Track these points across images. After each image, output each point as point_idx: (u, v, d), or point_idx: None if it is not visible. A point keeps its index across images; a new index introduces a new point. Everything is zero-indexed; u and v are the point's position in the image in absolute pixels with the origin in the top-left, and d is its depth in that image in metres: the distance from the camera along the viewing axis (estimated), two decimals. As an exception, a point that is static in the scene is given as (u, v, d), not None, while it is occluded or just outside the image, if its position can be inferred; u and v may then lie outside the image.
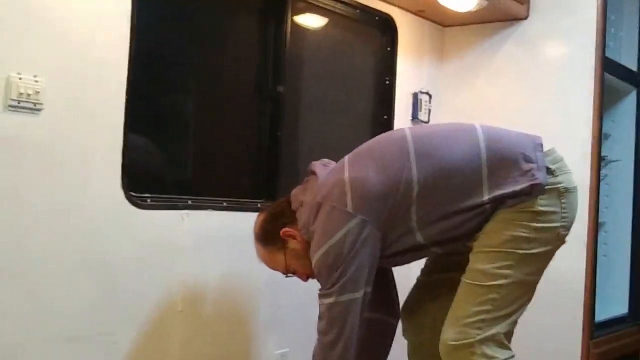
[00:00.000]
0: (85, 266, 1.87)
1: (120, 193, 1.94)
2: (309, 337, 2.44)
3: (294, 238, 1.93)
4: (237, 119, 2.44)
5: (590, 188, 2.79)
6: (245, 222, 2.12)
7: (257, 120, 2.46)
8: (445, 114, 3.09)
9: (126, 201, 1.95)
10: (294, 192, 1.98)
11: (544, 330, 2.84)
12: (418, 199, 1.82)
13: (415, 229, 1.84)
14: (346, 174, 1.83)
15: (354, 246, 1.78)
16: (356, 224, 1.78)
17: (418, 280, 2.17)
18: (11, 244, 1.72)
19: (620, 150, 3.38)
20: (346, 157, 1.92)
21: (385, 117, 2.90)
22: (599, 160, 2.84)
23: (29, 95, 1.69)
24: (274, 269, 2.01)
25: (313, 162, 1.99)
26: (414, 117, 3.00)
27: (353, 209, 1.79)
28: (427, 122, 3.04)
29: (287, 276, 2.02)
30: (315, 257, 1.83)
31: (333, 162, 1.98)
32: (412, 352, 2.18)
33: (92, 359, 1.89)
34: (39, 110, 1.73)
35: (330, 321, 1.82)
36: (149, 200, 2.02)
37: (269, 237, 1.96)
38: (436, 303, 2.04)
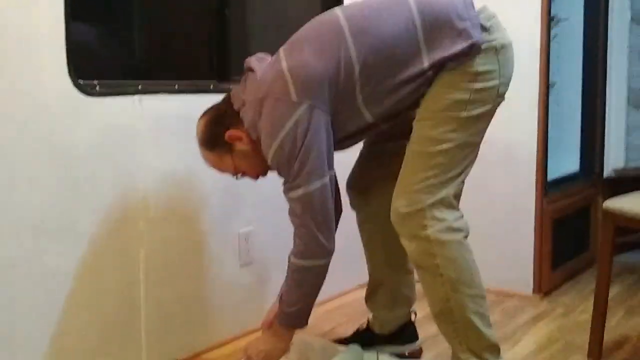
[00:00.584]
0: (43, 158, 1.84)
1: (67, 81, 1.87)
2: (272, 213, 2.50)
3: (240, 139, 1.91)
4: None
5: (540, 48, 2.81)
6: (199, 104, 2.09)
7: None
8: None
9: (75, 89, 1.89)
10: (233, 91, 1.95)
11: (498, 190, 2.93)
12: (361, 77, 1.81)
13: (363, 107, 1.85)
14: (284, 64, 1.81)
15: (307, 133, 1.77)
16: (303, 110, 1.77)
17: (361, 151, 2.19)
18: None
19: (570, 9, 3.37)
20: (281, 49, 1.88)
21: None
22: (548, 20, 2.84)
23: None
24: (222, 172, 2.00)
25: (248, 58, 1.94)
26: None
27: (297, 96, 1.78)
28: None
29: (237, 178, 2.01)
30: (270, 154, 1.82)
31: (268, 56, 1.94)
32: (362, 222, 2.23)
33: (58, 250, 1.89)
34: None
35: (305, 211, 1.83)
36: (97, 87, 1.96)
37: (213, 141, 1.94)
38: (381, 171, 2.07)
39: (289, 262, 1.92)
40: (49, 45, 1.83)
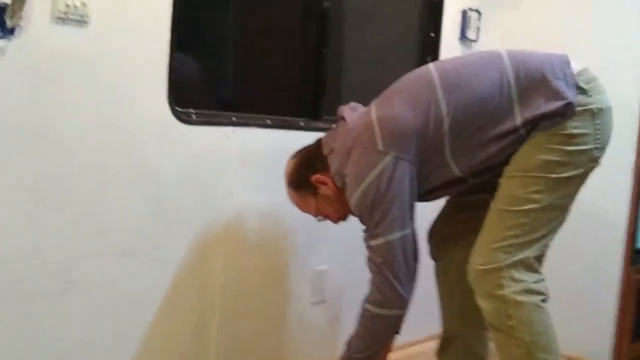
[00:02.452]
0: (134, 182, 1.90)
1: (166, 108, 1.94)
2: (346, 254, 2.51)
3: (325, 184, 1.95)
4: (282, 35, 2.41)
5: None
6: (289, 140, 2.13)
7: (302, 37, 2.43)
8: (493, 32, 3.01)
9: (172, 116, 1.95)
10: (324, 138, 2.00)
11: (583, 257, 2.83)
12: (450, 131, 1.81)
13: (451, 161, 1.84)
14: (373, 115, 1.84)
15: (390, 183, 1.79)
16: (389, 161, 1.79)
17: (447, 200, 2.17)
18: (60, 160, 1.74)
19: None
20: (373, 101, 1.92)
21: (432, 34, 2.84)
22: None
23: (75, 7, 1.67)
24: (305, 212, 2.05)
25: (341, 107, 1.99)
26: (463, 35, 2.92)
27: (384, 146, 1.80)
28: (475, 41, 2.96)
29: (318, 220, 2.06)
30: (353, 201, 1.85)
31: (361, 106, 1.98)
32: (440, 273, 2.20)
33: (142, 272, 1.95)
34: (85, 22, 1.72)
35: (385, 261, 1.82)
36: (193, 115, 2.02)
37: (300, 183, 1.99)
38: (466, 223, 2.03)
39: (362, 308, 1.91)
40: (152, 73, 1.90)
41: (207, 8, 2.18)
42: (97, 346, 1.87)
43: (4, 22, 1.55)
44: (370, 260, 1.87)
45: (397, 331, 1.99)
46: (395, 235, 1.82)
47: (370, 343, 1.92)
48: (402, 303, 1.87)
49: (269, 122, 2.22)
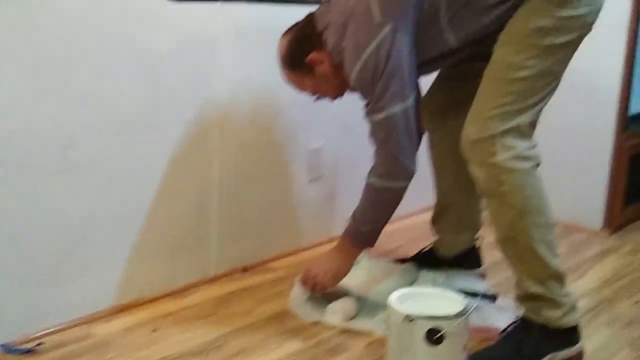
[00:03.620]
0: (128, 60, 1.88)
1: (152, -15, 1.90)
2: (341, 131, 2.52)
3: (322, 63, 1.93)
4: None
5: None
6: (281, 15, 2.10)
7: None
8: None
9: (159, -7, 1.92)
10: (317, 12, 1.95)
11: (576, 123, 2.86)
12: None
13: (447, 30, 1.82)
14: None
15: (389, 56, 1.77)
16: (386, 32, 1.77)
17: (440, 71, 2.16)
18: (56, 38, 1.73)
19: None
20: None
21: None
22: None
23: None
24: (301, 92, 2.03)
25: None
26: None
27: (380, 18, 1.77)
28: None
29: (315, 99, 2.04)
30: (352, 75, 1.83)
31: None
32: (434, 143, 2.23)
33: (139, 149, 1.97)
34: None
35: (388, 134, 1.83)
36: (181, -8, 1.98)
37: (295, 62, 1.96)
38: (459, 93, 2.02)
39: (367, 181, 1.93)
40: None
41: None
42: (102, 222, 1.92)
43: None
44: (373, 134, 1.88)
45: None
46: (397, 108, 1.82)
47: (377, 216, 1.96)
48: (407, 174, 1.89)
49: (258, -4, 2.18)
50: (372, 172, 1.92)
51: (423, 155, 2.22)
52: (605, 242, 2.78)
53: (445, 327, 1.55)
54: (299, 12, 2.02)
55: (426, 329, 1.55)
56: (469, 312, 1.60)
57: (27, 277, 1.78)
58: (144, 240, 2.03)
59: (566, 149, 2.88)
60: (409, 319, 1.56)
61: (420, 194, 2.36)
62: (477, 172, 1.80)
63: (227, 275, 2.28)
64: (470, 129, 1.81)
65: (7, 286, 1.75)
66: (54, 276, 1.84)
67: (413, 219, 2.89)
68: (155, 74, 1.96)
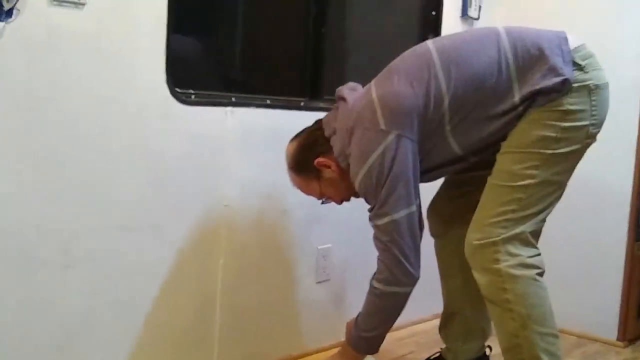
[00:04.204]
0: (133, 159, 1.92)
1: (164, 88, 1.96)
2: (350, 232, 2.52)
3: (329, 167, 1.95)
4: (282, 15, 2.42)
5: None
6: (289, 120, 2.15)
7: (301, 17, 2.43)
8: (496, 11, 3.00)
9: (171, 97, 1.98)
10: (325, 119, 2.00)
11: (588, 232, 2.83)
12: (450, 108, 1.81)
13: (451, 138, 1.85)
14: (374, 94, 1.84)
15: (394, 162, 1.79)
16: (392, 139, 1.80)
17: (446, 178, 2.18)
18: (59, 135, 1.77)
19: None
20: (373, 80, 1.92)
21: (433, 13, 2.84)
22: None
23: (71, -11, 1.70)
24: (308, 195, 2.06)
25: (340, 88, 1.99)
26: (464, 14, 2.92)
27: (386, 125, 1.80)
28: (476, 19, 2.96)
29: (322, 202, 2.07)
30: (357, 180, 1.86)
31: (360, 86, 1.99)
32: (439, 250, 2.22)
33: (142, 248, 1.98)
34: (82, 4, 1.74)
35: (392, 239, 1.84)
36: (193, 96, 2.04)
37: (302, 167, 2.00)
38: (465, 200, 2.04)
39: (371, 286, 1.92)
40: (150, 54, 1.92)
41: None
42: (101, 318, 1.91)
43: (2, 5, 1.58)
44: (377, 238, 1.88)
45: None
46: (401, 214, 1.83)
47: (379, 321, 1.94)
48: (411, 280, 1.88)
49: (268, 102, 2.24)
50: (375, 277, 1.91)
51: (433, 261, 2.22)
52: (621, 353, 2.70)
53: None
54: (304, 118, 2.08)
55: None
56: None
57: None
58: (145, 338, 2.01)
59: (579, 257, 2.84)
60: None
61: (432, 299, 2.34)
62: (480, 278, 1.79)
63: (229, 377, 2.24)
64: (473, 235, 1.82)
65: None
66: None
67: (425, 325, 2.84)
68: (163, 173, 2.00)
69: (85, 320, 1.88)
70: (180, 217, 2.06)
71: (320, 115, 2.06)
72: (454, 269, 2.16)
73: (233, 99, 2.13)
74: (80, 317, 1.87)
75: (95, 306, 1.90)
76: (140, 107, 1.92)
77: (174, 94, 1.98)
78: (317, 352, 2.49)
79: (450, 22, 2.86)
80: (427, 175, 1.92)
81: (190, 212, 2.08)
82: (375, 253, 1.93)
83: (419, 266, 1.89)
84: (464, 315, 2.20)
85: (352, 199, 2.06)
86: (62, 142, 1.78)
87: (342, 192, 2.00)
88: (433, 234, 2.21)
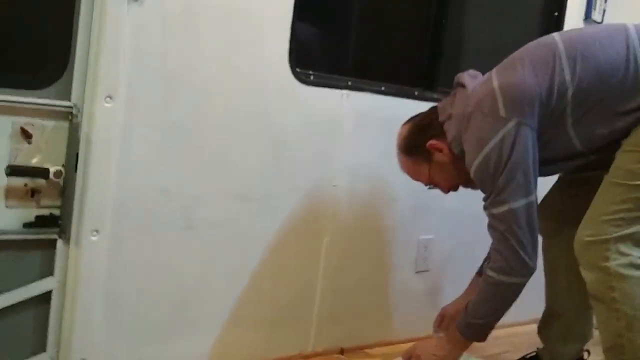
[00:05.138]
0: (255, 131, 2.01)
1: (287, 68, 2.03)
2: (454, 225, 2.53)
3: (440, 151, 1.94)
4: (403, 5, 2.46)
5: None
6: (402, 108, 2.18)
7: (422, 7, 2.46)
8: (621, 14, 2.92)
9: (292, 76, 2.05)
10: (441, 104, 1.98)
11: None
12: (573, 99, 1.78)
13: (572, 132, 1.81)
14: (495, 82, 1.82)
15: (513, 149, 1.76)
16: (511, 126, 1.76)
17: (559, 177, 2.14)
18: (189, 104, 1.87)
19: None
20: (494, 69, 1.89)
21: (555, 14, 2.80)
22: None
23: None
24: (416, 180, 2.04)
25: (460, 74, 1.97)
26: (587, 16, 2.87)
27: (506, 113, 1.77)
28: (599, 23, 2.90)
29: (429, 187, 2.05)
30: (474, 167, 1.83)
31: (480, 74, 1.96)
32: (548, 248, 2.18)
33: (255, 217, 2.06)
34: (220, -18, 1.84)
35: (509, 228, 1.81)
36: (312, 76, 2.11)
37: (414, 148, 1.98)
38: (577, 199, 1.99)
39: (484, 275, 1.91)
40: (275, 36, 2.00)
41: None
42: (213, 284, 2.01)
43: (144, -26, 1.69)
44: (492, 227, 1.85)
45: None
46: (520, 203, 1.79)
47: (490, 310, 1.91)
48: (526, 270, 1.85)
49: (383, 88, 2.27)
50: (490, 265, 1.88)
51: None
52: None
53: None
54: (420, 107, 2.09)
55: None
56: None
57: (140, 331, 1.89)
58: (245, 308, 2.09)
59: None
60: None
61: (531, 303, 2.31)
62: (588, 275, 1.76)
63: (325, 354, 2.29)
64: (584, 231, 1.79)
65: (119, 335, 1.85)
66: (164, 331, 1.93)
67: (522, 327, 2.80)
68: (280, 148, 2.07)
69: (200, 283, 1.98)
70: (292, 192, 2.13)
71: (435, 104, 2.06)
72: (561, 270, 2.12)
73: (349, 83, 2.18)
74: (196, 280, 1.97)
75: (209, 271, 2.00)
76: (264, 83, 2.00)
77: (294, 73, 2.05)
78: (410, 341, 2.48)
79: (573, 24, 2.81)
80: (543, 168, 1.87)
81: (301, 189, 2.15)
82: (478, 247, 1.92)
83: (536, 257, 1.86)
84: (565, 317, 2.17)
85: (460, 189, 2.05)
86: (191, 112, 1.87)
87: (451, 179, 1.99)
88: (542, 234, 2.17)
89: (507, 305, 1.91)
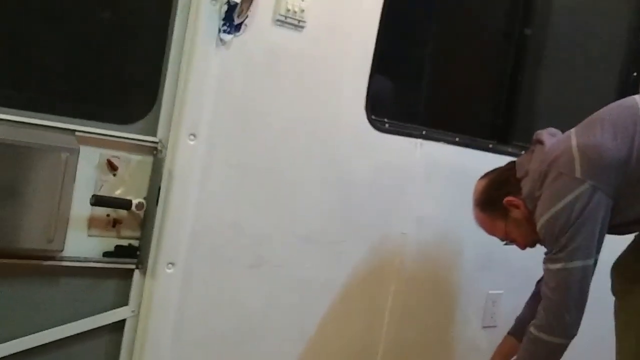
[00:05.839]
0: (327, 177, 2.04)
1: (363, 114, 2.07)
2: (523, 280, 2.48)
3: (517, 207, 1.93)
4: (480, 59, 2.49)
5: None
6: (475, 160, 2.19)
7: (499, 62, 2.49)
8: None
9: (367, 123, 2.09)
10: (518, 160, 1.99)
11: None
12: None
13: None
14: (574, 142, 1.82)
15: (583, 212, 1.76)
16: (585, 189, 1.76)
17: (637, 235, 2.09)
18: (267, 146, 1.92)
19: None
20: (573, 128, 1.89)
21: (635, 74, 2.79)
22: None
23: (294, 12, 1.86)
24: (491, 235, 2.04)
25: (539, 131, 1.97)
26: (667, 77, 2.84)
27: (582, 174, 1.77)
28: (680, 84, 2.86)
29: (505, 243, 2.04)
30: (541, 221, 1.83)
31: (559, 132, 1.96)
32: (620, 309, 2.10)
33: (321, 262, 2.08)
34: (301, 27, 1.90)
35: (559, 287, 1.81)
36: (387, 124, 2.14)
37: (490, 204, 1.98)
38: None
39: (527, 330, 1.89)
40: (353, 84, 2.05)
41: (410, 25, 2.29)
42: (275, 321, 2.02)
43: (233, 19, 1.76)
44: (544, 282, 1.85)
45: None
46: (576, 264, 1.79)
47: None
48: (565, 332, 1.83)
49: (457, 139, 2.29)
50: (533, 322, 1.87)
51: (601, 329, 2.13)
52: None
53: None
54: (494, 160, 2.10)
55: None
56: None
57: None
58: (307, 351, 2.09)
59: None
60: None
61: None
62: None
63: (387, 406, 2.27)
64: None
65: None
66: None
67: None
68: (351, 193, 2.10)
69: (263, 320, 2.00)
70: (360, 238, 2.15)
71: (507, 159, 2.07)
72: (630, 330, 2.06)
73: (424, 132, 2.21)
74: (260, 317, 1.99)
75: (273, 309, 2.01)
76: (339, 128, 2.04)
77: (370, 120, 2.09)
78: (474, 398, 2.45)
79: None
80: (618, 228, 1.87)
81: (369, 235, 2.16)
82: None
83: (578, 322, 1.83)
84: (636, 380, 2.10)
85: (537, 245, 2.03)
86: (267, 153, 1.92)
87: (527, 235, 1.96)
88: (614, 294, 2.12)
89: None
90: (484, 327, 2.49)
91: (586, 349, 1.88)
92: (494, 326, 2.51)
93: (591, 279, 1.83)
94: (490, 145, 2.37)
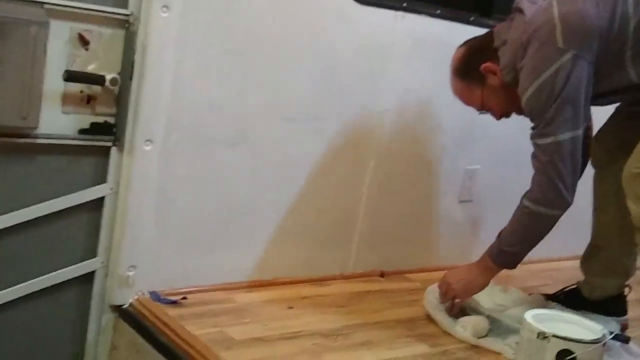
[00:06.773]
0: (309, 53, 2.00)
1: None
2: (500, 155, 2.51)
3: (495, 74, 1.91)
4: None
5: None
6: (457, 33, 2.13)
7: None
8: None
9: (348, -5, 2.03)
10: (497, 28, 1.94)
11: None
12: (635, 33, 1.75)
13: (630, 65, 1.78)
14: (555, 10, 1.78)
15: (567, 82, 1.75)
16: (568, 59, 1.74)
17: (617, 107, 2.10)
18: (247, 23, 1.86)
19: None
20: None
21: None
22: None
23: None
24: (468, 104, 2.02)
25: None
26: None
27: (564, 44, 1.74)
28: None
29: (480, 113, 2.02)
30: (526, 95, 1.81)
31: (540, 0, 1.89)
32: (599, 180, 2.17)
33: (302, 139, 2.07)
34: None
35: (552, 160, 1.81)
36: (367, -4, 2.08)
37: (468, 71, 1.95)
38: (632, 134, 1.94)
39: (520, 203, 1.91)
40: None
41: None
42: (259, 198, 2.03)
43: None
44: (535, 157, 1.85)
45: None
46: (566, 136, 1.79)
47: (522, 239, 1.93)
48: (562, 204, 1.85)
49: (438, 12, 2.23)
50: (527, 195, 1.89)
51: (583, 199, 2.17)
52: None
53: (578, 350, 1.51)
54: (472, 33, 2.05)
55: (558, 349, 1.52)
56: (605, 340, 1.55)
57: (187, 241, 1.93)
58: (289, 226, 2.12)
59: None
60: (543, 335, 1.54)
61: (573, 239, 2.31)
62: (634, 208, 1.76)
63: (364, 276, 2.33)
64: (633, 164, 1.78)
65: (167, 244, 1.90)
66: (210, 243, 1.97)
67: (562, 263, 2.81)
68: (330, 71, 2.06)
69: (246, 198, 2.01)
70: (339, 115, 2.13)
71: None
72: (609, 202, 2.11)
73: (404, 4, 2.15)
74: (243, 195, 2.00)
75: (255, 187, 2.02)
76: (318, 3, 1.98)
77: (351, -9, 2.03)
78: (448, 268, 2.52)
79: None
80: (597, 100, 1.86)
81: (349, 111, 2.15)
82: (523, 179, 1.91)
83: (573, 192, 1.86)
84: (609, 251, 2.16)
85: (515, 121, 2.02)
86: (245, 30, 1.86)
87: (503, 104, 1.96)
88: (595, 165, 2.15)
89: (539, 236, 1.92)
90: (461, 201, 2.53)
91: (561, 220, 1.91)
92: (470, 200, 2.55)
93: (581, 148, 1.84)
94: (472, 18, 2.32)
